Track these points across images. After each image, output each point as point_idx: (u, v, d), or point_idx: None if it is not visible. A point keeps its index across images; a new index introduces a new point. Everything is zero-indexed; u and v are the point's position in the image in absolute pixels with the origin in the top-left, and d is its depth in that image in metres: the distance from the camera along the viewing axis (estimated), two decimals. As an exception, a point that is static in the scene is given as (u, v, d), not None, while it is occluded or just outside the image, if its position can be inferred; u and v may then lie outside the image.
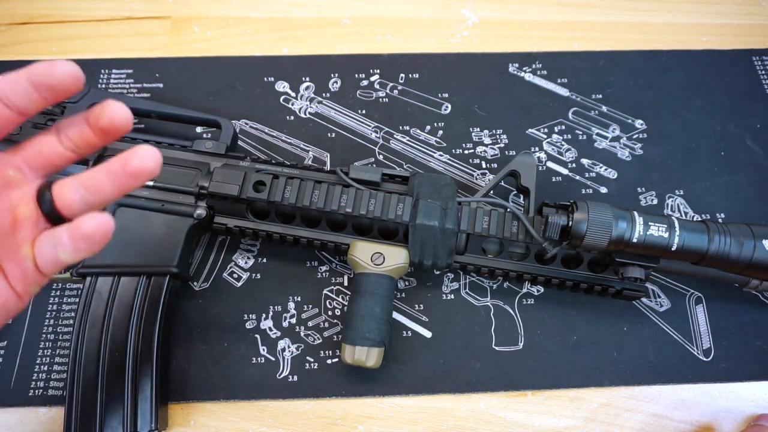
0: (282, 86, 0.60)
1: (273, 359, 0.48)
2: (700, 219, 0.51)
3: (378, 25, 0.65)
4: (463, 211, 0.46)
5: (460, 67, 0.62)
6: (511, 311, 0.50)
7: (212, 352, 0.48)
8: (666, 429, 0.47)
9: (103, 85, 0.60)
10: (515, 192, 0.54)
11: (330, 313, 0.50)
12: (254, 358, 0.48)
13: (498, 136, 0.58)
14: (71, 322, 0.49)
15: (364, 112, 0.59)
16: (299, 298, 0.51)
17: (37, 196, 0.29)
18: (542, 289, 0.51)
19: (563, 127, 0.59)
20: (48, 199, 0.29)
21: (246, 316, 0.50)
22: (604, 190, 0.56)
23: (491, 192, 0.48)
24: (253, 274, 0.51)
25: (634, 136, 0.59)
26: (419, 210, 0.45)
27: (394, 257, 0.46)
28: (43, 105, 0.29)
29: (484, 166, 0.57)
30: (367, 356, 0.44)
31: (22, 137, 0.49)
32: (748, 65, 0.63)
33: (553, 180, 0.56)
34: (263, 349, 0.49)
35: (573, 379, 0.48)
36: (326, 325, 0.50)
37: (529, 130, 0.59)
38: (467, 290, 0.51)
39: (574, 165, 0.57)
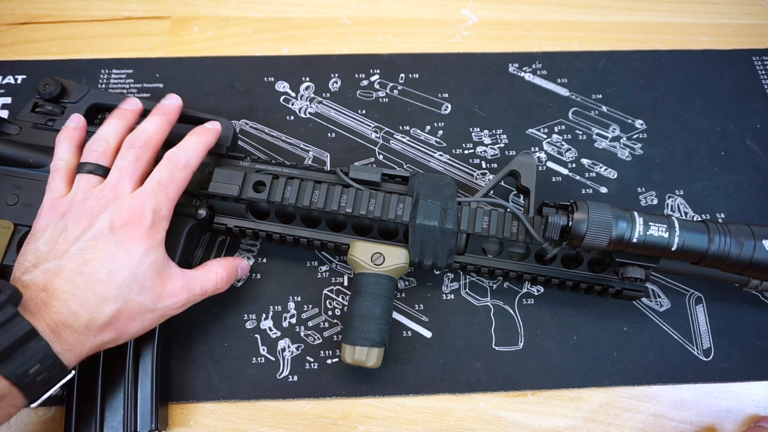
0: (282, 86, 0.60)
1: (273, 359, 0.48)
2: (700, 219, 0.51)
3: (378, 25, 0.65)
4: (463, 211, 0.46)
5: (460, 67, 0.62)
6: (511, 311, 0.50)
7: (212, 352, 0.48)
8: (666, 429, 0.47)
9: (103, 85, 0.60)
10: (515, 192, 0.54)
11: (330, 313, 0.50)
12: (254, 358, 0.48)
13: (498, 136, 0.58)
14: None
15: (364, 112, 0.59)
16: (299, 298, 0.51)
17: None
18: (542, 289, 0.51)
19: (563, 127, 0.59)
20: None
21: (246, 316, 0.50)
22: (604, 190, 0.56)
23: (491, 192, 0.48)
24: (253, 274, 0.51)
25: (634, 136, 0.59)
26: (419, 210, 0.45)
27: (394, 257, 0.46)
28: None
29: (484, 166, 0.57)
30: (367, 356, 0.44)
31: (23, 137, 0.49)
32: (748, 65, 0.63)
33: (553, 180, 0.56)
34: (263, 349, 0.49)
35: (573, 379, 0.48)
36: (326, 325, 0.50)
37: (529, 130, 0.59)
38: (467, 290, 0.51)
39: (574, 165, 0.57)
